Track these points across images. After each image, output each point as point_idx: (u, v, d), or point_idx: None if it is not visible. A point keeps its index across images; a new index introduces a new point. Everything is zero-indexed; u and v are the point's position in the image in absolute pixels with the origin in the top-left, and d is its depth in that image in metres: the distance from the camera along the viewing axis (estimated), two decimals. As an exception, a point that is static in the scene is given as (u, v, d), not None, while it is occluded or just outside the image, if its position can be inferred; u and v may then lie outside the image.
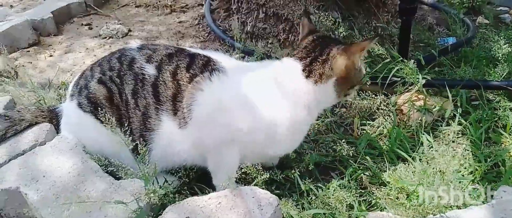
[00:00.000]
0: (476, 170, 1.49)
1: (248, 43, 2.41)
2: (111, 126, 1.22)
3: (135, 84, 1.36)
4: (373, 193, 1.46)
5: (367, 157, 1.60)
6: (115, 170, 1.34)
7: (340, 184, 1.51)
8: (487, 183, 1.45)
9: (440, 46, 2.34)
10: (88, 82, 1.42)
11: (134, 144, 1.28)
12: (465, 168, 1.51)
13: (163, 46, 1.47)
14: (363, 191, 1.47)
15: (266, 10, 2.32)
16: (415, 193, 1.32)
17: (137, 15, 2.94)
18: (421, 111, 1.82)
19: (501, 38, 2.27)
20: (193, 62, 1.37)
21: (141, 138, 1.35)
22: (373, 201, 1.39)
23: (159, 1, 3.04)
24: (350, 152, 1.56)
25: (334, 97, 1.37)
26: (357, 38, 2.17)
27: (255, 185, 1.37)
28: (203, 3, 2.93)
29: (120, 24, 2.80)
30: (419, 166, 1.50)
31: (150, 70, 1.36)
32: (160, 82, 1.34)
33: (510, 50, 2.01)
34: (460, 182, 1.40)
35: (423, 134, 1.62)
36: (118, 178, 1.36)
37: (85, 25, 2.85)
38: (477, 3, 2.91)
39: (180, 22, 2.84)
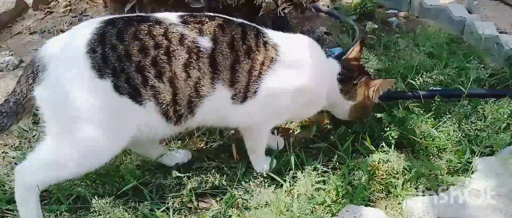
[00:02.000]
0: (338, 186, 1.60)
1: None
2: (161, 103, 1.41)
3: (188, 58, 1.42)
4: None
5: (243, 182, 1.67)
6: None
7: (216, 213, 1.58)
8: (348, 199, 1.57)
9: (326, 58, 2.46)
10: (125, 67, 1.36)
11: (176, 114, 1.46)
12: (329, 184, 1.63)
13: (204, 15, 1.52)
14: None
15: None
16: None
17: (31, 43, 2.81)
18: (299, 129, 1.94)
19: (380, 47, 2.46)
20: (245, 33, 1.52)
21: (188, 104, 1.47)
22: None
23: (55, 27, 2.93)
24: (223, 180, 1.63)
25: (344, 113, 1.80)
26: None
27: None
28: (102, 25, 2.87)
29: (11, 54, 2.67)
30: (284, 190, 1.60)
31: (205, 43, 1.44)
32: (217, 53, 1.46)
33: (381, 66, 2.17)
34: (315, 204, 1.51)
35: (291, 154, 1.71)
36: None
37: (-27, 58, 2.69)
38: (369, 8, 3.07)
39: (78, 47, 2.75)
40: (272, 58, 1.52)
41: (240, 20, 1.58)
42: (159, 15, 1.49)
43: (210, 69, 1.45)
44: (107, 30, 1.39)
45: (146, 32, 1.40)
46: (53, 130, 1.42)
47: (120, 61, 1.36)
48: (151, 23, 1.42)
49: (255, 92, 1.52)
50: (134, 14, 1.52)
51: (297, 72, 1.57)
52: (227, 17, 1.56)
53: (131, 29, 1.40)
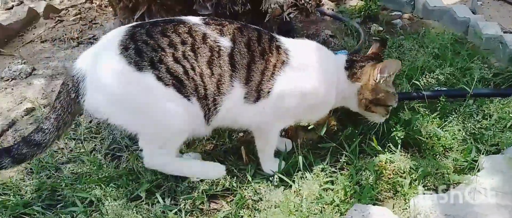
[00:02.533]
0: (346, 186, 1.63)
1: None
2: (197, 97, 1.51)
3: (211, 55, 1.51)
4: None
5: (252, 183, 1.71)
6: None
7: (227, 214, 1.62)
8: (356, 198, 1.60)
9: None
10: (162, 57, 1.47)
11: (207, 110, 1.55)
12: (337, 184, 1.66)
13: (224, 19, 1.63)
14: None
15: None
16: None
17: (42, 51, 2.89)
18: (306, 130, 1.97)
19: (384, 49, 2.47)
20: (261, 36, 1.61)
21: (213, 102, 1.55)
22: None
23: (65, 35, 3.00)
24: (233, 182, 1.67)
25: (355, 101, 1.75)
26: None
27: None
28: (111, 32, 2.93)
29: (23, 63, 2.74)
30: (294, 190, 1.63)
31: (225, 42, 1.54)
32: (236, 52, 1.54)
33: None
34: (324, 204, 1.54)
35: (299, 155, 1.75)
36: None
37: (-14, 68, 2.77)
38: (373, 11, 3.11)
39: (88, 54, 2.81)
40: (284, 61, 1.59)
41: (255, 26, 1.65)
42: (182, 17, 1.59)
43: (229, 67, 1.53)
44: (136, 31, 1.51)
45: (172, 30, 1.51)
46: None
47: (156, 52, 1.47)
48: (176, 23, 1.54)
49: (268, 92, 1.58)
50: (159, 19, 1.66)
51: (305, 75, 1.62)
52: (244, 23, 1.65)
53: (158, 28, 1.52)
